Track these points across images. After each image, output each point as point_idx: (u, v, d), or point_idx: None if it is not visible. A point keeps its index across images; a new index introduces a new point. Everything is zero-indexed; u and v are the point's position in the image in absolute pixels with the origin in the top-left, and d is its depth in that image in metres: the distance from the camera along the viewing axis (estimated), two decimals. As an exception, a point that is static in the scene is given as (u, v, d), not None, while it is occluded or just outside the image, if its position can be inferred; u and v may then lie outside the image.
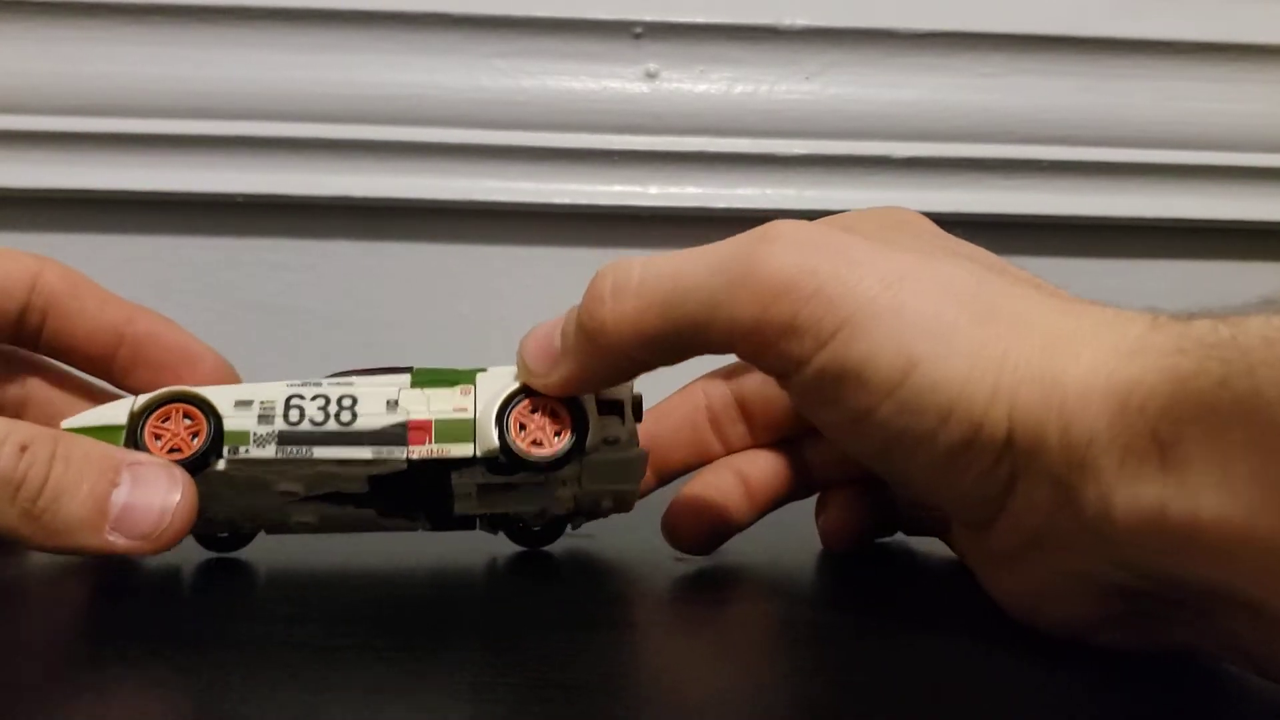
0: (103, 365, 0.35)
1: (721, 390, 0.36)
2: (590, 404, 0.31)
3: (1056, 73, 0.69)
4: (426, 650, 0.26)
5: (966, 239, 0.30)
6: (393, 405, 0.31)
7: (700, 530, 0.35)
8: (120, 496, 0.28)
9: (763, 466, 0.35)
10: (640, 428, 0.33)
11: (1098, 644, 0.27)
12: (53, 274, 0.34)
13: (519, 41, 0.66)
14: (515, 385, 0.31)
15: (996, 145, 0.69)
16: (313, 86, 0.65)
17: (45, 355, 0.35)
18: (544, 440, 0.30)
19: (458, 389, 0.31)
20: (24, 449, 0.27)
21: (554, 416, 0.31)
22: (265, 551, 0.35)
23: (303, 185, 0.65)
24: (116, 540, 0.28)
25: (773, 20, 0.67)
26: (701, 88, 0.68)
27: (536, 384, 0.30)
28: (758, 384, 0.35)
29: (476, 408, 0.31)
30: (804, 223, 0.28)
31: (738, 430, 0.36)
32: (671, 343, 0.28)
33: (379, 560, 0.36)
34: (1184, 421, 0.22)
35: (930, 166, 0.69)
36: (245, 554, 0.35)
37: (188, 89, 0.65)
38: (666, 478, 0.36)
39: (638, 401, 0.32)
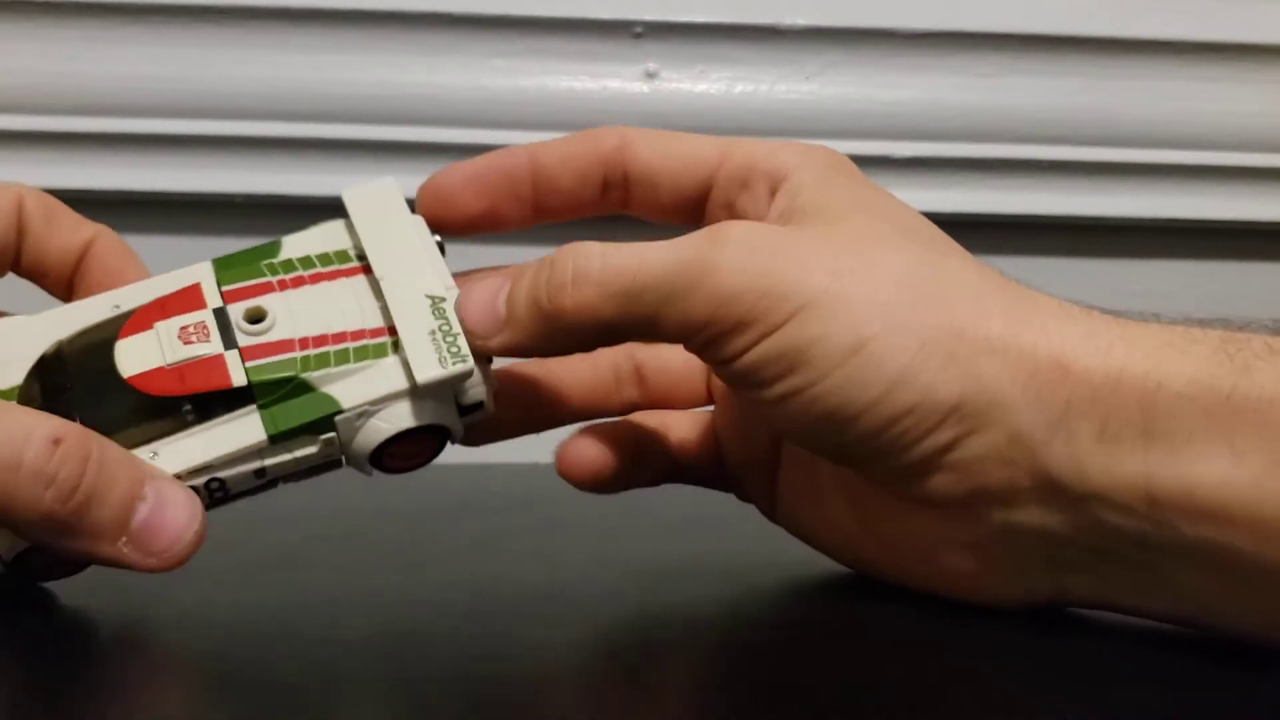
0: (68, 288, 0.35)
1: (628, 351, 0.35)
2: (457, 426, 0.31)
3: (1056, 73, 0.69)
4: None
5: (966, 239, 0.30)
6: (260, 473, 0.30)
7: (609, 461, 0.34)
8: (142, 512, 0.28)
9: (686, 424, 0.35)
10: (543, 367, 0.34)
11: (990, 598, 0.29)
12: (31, 200, 0.34)
13: (519, 41, 0.66)
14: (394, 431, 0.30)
15: (996, 145, 0.69)
16: (313, 86, 0.65)
17: (26, 278, 0.35)
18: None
19: (320, 440, 0.30)
20: (57, 443, 0.27)
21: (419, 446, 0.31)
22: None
23: (303, 185, 0.65)
24: (127, 552, 0.28)
25: (773, 20, 0.67)
26: (701, 88, 0.68)
27: (475, 344, 0.30)
28: (654, 354, 0.36)
29: (344, 450, 0.30)
30: (755, 225, 0.29)
31: (632, 394, 0.36)
32: (621, 331, 0.29)
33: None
34: (1190, 403, 0.25)
35: (930, 166, 0.69)
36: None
37: (188, 89, 0.65)
38: (561, 419, 0.35)
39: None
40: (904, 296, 0.27)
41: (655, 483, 0.35)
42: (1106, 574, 0.28)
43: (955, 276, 0.28)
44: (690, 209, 0.33)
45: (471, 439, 0.33)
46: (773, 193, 0.31)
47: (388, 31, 0.65)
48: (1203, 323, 0.28)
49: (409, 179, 0.68)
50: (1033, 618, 0.30)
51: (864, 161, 0.67)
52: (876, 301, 0.27)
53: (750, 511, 0.36)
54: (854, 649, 0.28)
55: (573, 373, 0.35)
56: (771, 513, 0.35)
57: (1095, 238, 0.72)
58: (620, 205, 0.34)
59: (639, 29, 0.67)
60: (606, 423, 0.35)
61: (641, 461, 0.34)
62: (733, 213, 0.32)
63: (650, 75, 0.67)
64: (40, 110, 0.64)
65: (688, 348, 0.29)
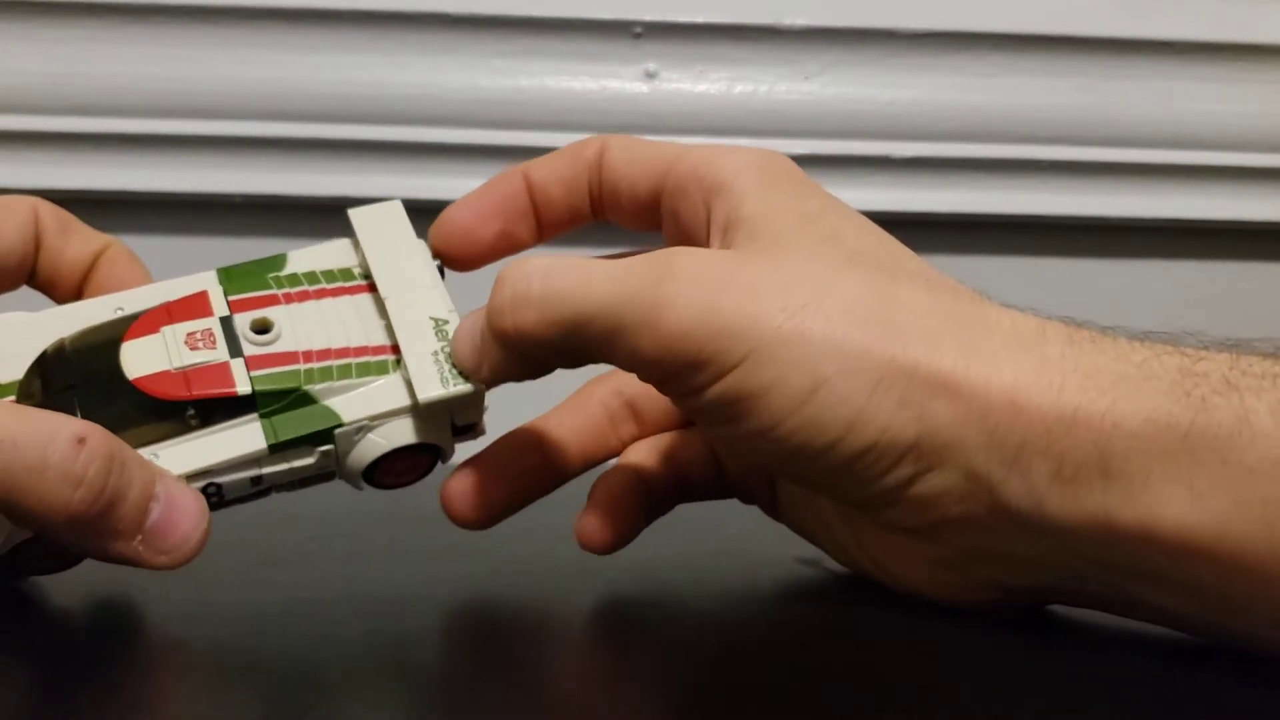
0: (77, 297, 0.35)
1: (614, 389, 0.35)
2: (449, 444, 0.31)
3: (1056, 73, 0.69)
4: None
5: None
6: (257, 481, 0.30)
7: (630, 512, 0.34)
8: (155, 512, 0.28)
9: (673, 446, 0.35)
10: (544, 429, 0.34)
11: (973, 605, 0.30)
12: (46, 212, 0.34)
13: (518, 41, 0.66)
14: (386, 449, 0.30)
15: (996, 145, 0.69)
16: (312, 86, 0.65)
17: (38, 289, 0.35)
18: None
19: (318, 451, 0.30)
20: (81, 442, 0.27)
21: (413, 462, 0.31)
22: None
23: (302, 185, 0.65)
24: (141, 550, 0.28)
25: (773, 20, 0.67)
26: (701, 88, 0.68)
27: (470, 379, 0.30)
28: (641, 385, 0.35)
29: (339, 464, 0.30)
30: (703, 254, 0.28)
31: (628, 430, 0.35)
32: (574, 355, 0.28)
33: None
34: (1146, 442, 0.25)
35: (930, 166, 0.69)
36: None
37: (188, 89, 0.65)
38: (567, 473, 0.35)
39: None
40: (855, 331, 0.27)
41: (667, 511, 0.35)
42: (1081, 591, 0.28)
43: (906, 303, 0.28)
44: (649, 216, 0.33)
45: (489, 519, 0.33)
46: (708, 202, 0.31)
47: (388, 31, 0.65)
48: (1162, 338, 0.27)
49: (409, 179, 0.68)
50: (1031, 619, 0.30)
51: (864, 161, 0.68)
52: (830, 338, 0.26)
53: (749, 512, 0.36)
54: (853, 649, 0.28)
55: (566, 426, 0.34)
56: (774, 511, 0.35)
57: (1095, 238, 0.72)
58: (601, 213, 0.34)
59: (638, 29, 0.67)
60: (609, 489, 0.34)
61: (653, 503, 0.34)
62: (678, 222, 0.32)
63: (650, 75, 0.67)
64: (40, 110, 0.64)
65: (642, 379, 0.29)
